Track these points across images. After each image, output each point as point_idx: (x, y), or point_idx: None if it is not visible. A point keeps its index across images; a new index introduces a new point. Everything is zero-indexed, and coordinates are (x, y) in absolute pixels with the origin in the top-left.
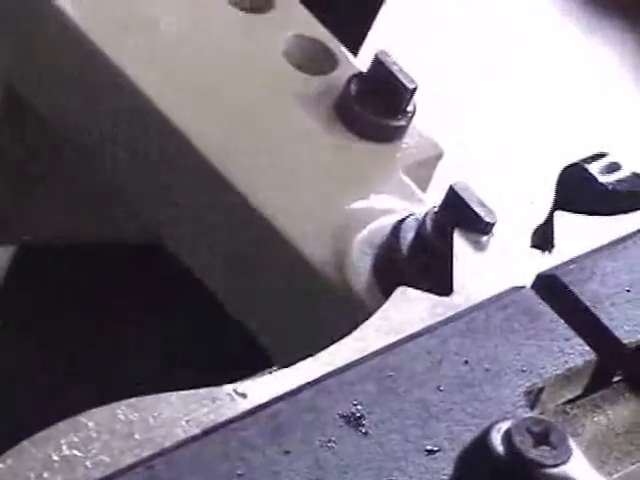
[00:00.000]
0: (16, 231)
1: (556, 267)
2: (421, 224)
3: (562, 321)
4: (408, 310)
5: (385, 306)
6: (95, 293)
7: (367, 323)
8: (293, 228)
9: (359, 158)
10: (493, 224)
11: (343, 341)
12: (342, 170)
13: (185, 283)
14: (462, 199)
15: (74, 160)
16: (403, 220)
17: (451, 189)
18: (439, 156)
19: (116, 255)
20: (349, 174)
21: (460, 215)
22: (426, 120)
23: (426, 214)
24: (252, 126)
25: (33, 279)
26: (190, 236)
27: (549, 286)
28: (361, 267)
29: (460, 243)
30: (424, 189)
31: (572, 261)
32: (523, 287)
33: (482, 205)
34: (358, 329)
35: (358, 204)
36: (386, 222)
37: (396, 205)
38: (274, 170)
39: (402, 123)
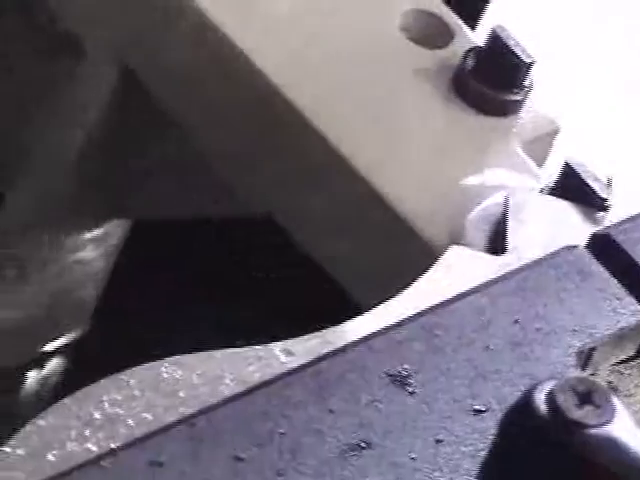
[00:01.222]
0: (130, 208)
1: (610, 226)
2: None
3: (615, 280)
4: (459, 269)
5: (436, 265)
6: (203, 268)
7: (418, 282)
8: (407, 204)
9: (475, 132)
10: (607, 199)
11: (392, 299)
12: (458, 144)
13: (289, 255)
14: (578, 174)
15: (181, 140)
16: None
17: (567, 164)
18: (555, 132)
19: (224, 230)
20: (465, 148)
21: (575, 190)
22: (543, 95)
23: (542, 190)
24: (368, 100)
25: (145, 256)
26: (299, 209)
27: (603, 245)
28: (475, 244)
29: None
30: (540, 164)
31: (626, 220)
32: (576, 246)
33: (597, 180)
34: (409, 288)
35: (473, 179)
36: (501, 198)
37: (512, 181)
38: (390, 145)
39: (518, 98)
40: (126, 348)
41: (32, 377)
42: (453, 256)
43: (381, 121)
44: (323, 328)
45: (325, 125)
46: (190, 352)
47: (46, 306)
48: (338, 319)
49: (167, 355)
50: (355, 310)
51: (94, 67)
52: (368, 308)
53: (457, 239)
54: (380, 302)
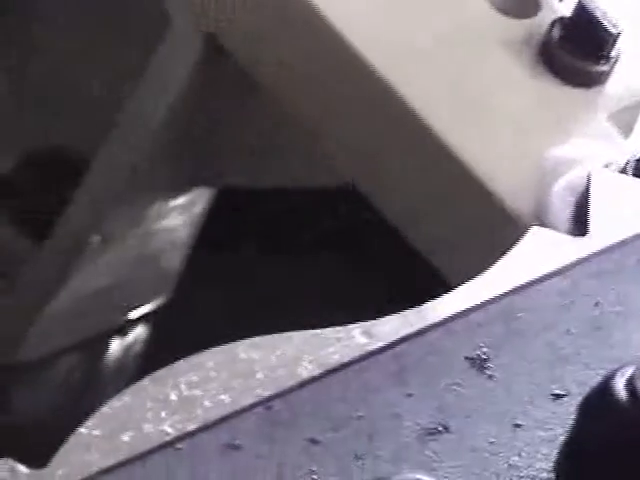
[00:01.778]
0: (215, 177)
1: None
2: (622, 170)
3: None
4: (541, 251)
5: (517, 247)
6: (284, 236)
7: (498, 264)
8: (495, 177)
9: (561, 103)
10: None
11: (471, 282)
12: (544, 115)
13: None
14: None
15: (264, 108)
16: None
17: None
18: None
19: (304, 200)
20: (551, 119)
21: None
22: (630, 66)
23: (627, 162)
24: (455, 70)
25: (230, 223)
26: (386, 180)
27: None
28: (562, 215)
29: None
30: (627, 135)
31: None
32: None
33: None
34: (490, 269)
35: (559, 151)
36: (586, 171)
37: (598, 151)
38: (476, 115)
39: (605, 68)
40: (209, 317)
41: (116, 344)
42: (534, 238)
43: (469, 94)
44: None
45: (416, 100)
46: (278, 322)
47: (130, 274)
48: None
49: (251, 324)
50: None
51: (179, 39)
52: (455, 282)
53: (542, 212)
54: (466, 277)
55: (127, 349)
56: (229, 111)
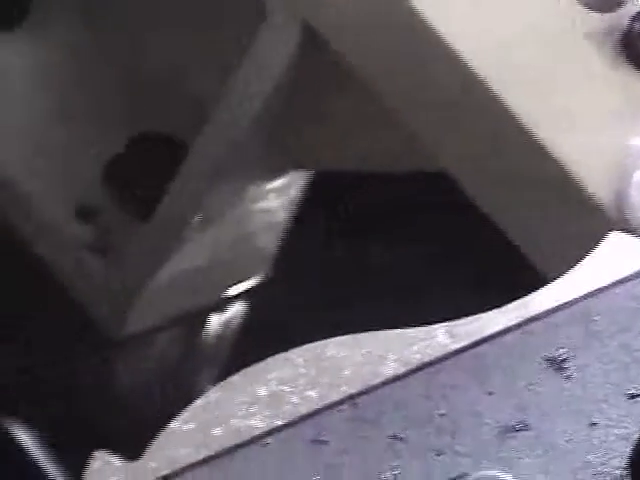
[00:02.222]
0: (309, 161)
1: None
2: None
3: None
4: (618, 255)
5: (595, 250)
6: (374, 225)
7: (578, 267)
8: (577, 164)
9: None
10: None
11: (550, 285)
12: (627, 106)
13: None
14: None
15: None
16: None
17: None
18: None
19: (396, 187)
20: (631, 110)
21: None
22: None
23: None
24: (539, 63)
25: (322, 207)
26: (473, 166)
27: None
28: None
29: None
30: None
31: None
32: None
33: None
34: (568, 273)
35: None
36: None
37: None
38: (560, 106)
39: None
40: (303, 294)
41: (215, 320)
42: (612, 242)
43: (554, 84)
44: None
45: (503, 90)
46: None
47: (228, 252)
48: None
49: (341, 308)
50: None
51: (277, 26)
52: (547, 275)
53: (621, 202)
54: (558, 270)
55: (225, 325)
56: (324, 99)
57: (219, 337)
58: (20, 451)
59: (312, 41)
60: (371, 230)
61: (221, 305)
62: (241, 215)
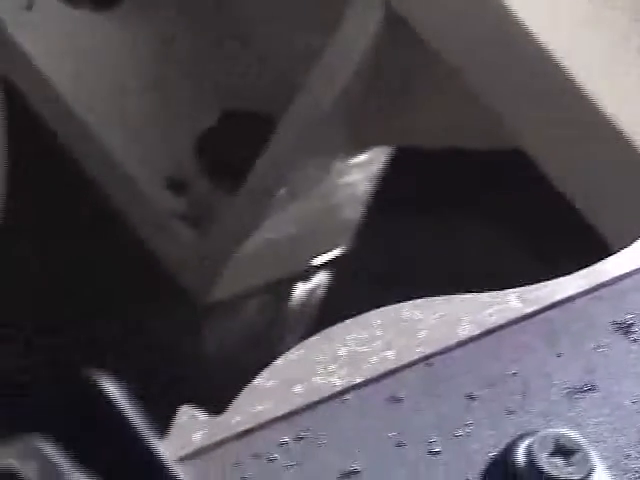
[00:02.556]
0: (393, 136)
1: None
2: None
3: None
4: None
5: None
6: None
7: None
8: None
9: None
10: None
11: (618, 254)
12: None
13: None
14: None
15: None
16: None
17: None
18: None
19: (474, 163)
20: None
21: None
22: None
23: None
24: (613, 38)
25: (404, 181)
26: (553, 147)
27: None
28: None
29: None
30: None
31: None
32: None
33: None
34: (635, 242)
35: None
36: None
37: None
38: (630, 83)
39: None
40: (383, 266)
41: (300, 288)
42: None
43: (625, 61)
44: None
45: (575, 70)
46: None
47: (314, 224)
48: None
49: (423, 277)
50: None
51: (361, 8)
52: (610, 239)
53: None
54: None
55: (309, 293)
56: (407, 77)
57: (304, 305)
58: (108, 402)
59: (395, 20)
60: (449, 204)
61: (306, 274)
62: (326, 188)
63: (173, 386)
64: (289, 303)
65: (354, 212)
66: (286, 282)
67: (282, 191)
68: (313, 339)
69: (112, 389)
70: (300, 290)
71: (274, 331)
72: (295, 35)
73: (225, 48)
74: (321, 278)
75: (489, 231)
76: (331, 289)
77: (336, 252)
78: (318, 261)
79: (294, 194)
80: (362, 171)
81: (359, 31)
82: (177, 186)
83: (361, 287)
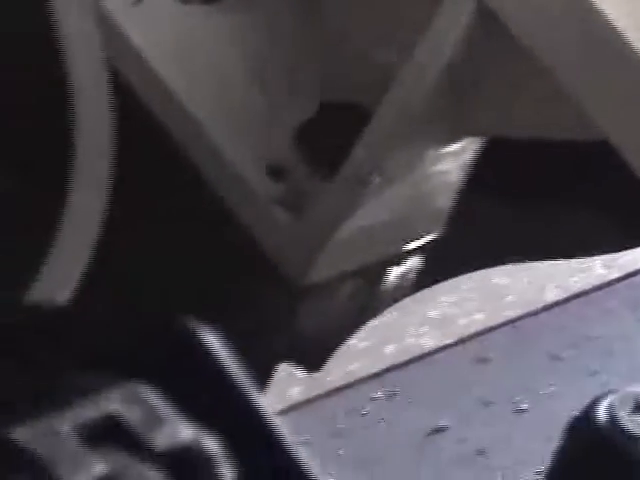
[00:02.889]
0: (484, 127)
1: None
2: None
3: None
4: None
5: None
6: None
7: None
8: None
9: None
10: None
11: None
12: None
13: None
14: None
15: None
16: None
17: None
18: None
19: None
20: None
21: None
22: None
23: None
24: None
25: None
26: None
27: None
28: None
29: None
30: None
31: None
32: None
33: None
34: None
35: None
36: None
37: None
38: None
39: None
40: (475, 251)
41: (393, 272)
42: None
43: None
44: None
45: None
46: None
47: (407, 210)
48: None
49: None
50: None
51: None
52: None
53: None
54: None
55: (402, 277)
56: (496, 69)
57: (396, 288)
58: (208, 352)
59: (487, 14)
60: (543, 193)
61: (399, 259)
62: (419, 176)
63: (272, 344)
64: (382, 286)
65: (446, 200)
66: (379, 266)
67: (376, 179)
68: (405, 301)
69: (212, 340)
70: (393, 274)
71: (367, 313)
72: (390, 29)
73: (324, 42)
74: (413, 262)
75: (581, 218)
76: (423, 273)
77: (428, 238)
78: (411, 246)
79: (388, 181)
80: (455, 160)
81: (451, 24)
82: (276, 173)
83: (453, 272)
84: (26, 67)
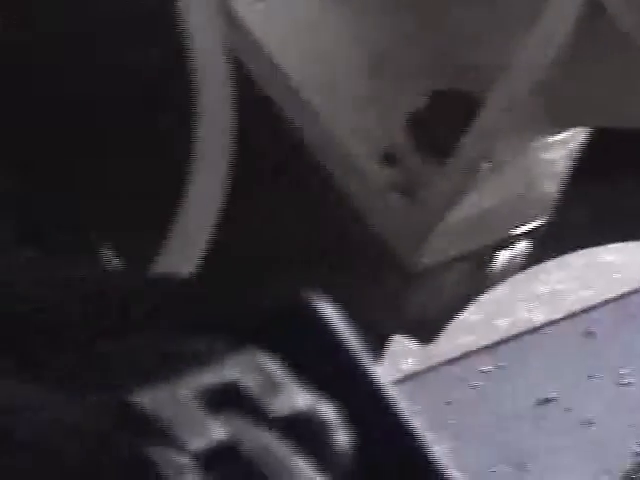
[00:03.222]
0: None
1: None
2: None
3: None
4: None
5: None
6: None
7: None
8: None
9: None
10: None
11: None
12: None
13: None
14: None
15: None
16: None
17: None
18: None
19: None
20: None
21: None
22: None
23: None
24: None
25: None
26: None
27: None
28: None
29: None
30: None
31: None
32: None
33: None
34: None
35: None
36: None
37: None
38: None
39: None
40: (582, 233)
41: (502, 255)
42: None
43: None
44: None
45: None
46: None
47: (514, 196)
48: None
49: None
50: None
51: None
52: None
53: None
54: None
55: (509, 260)
56: (604, 64)
57: (504, 271)
58: (324, 321)
59: (596, 6)
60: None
61: (507, 243)
62: (527, 164)
63: (386, 319)
64: (490, 269)
65: (553, 186)
66: (488, 250)
67: (486, 165)
68: (517, 277)
69: (330, 312)
70: (501, 257)
71: (475, 294)
72: (501, 18)
73: (436, 29)
74: (521, 246)
75: None
76: (530, 256)
77: (536, 223)
78: (518, 231)
79: (497, 168)
80: (562, 148)
81: (561, 15)
82: (390, 159)
83: (558, 254)
84: (150, 59)
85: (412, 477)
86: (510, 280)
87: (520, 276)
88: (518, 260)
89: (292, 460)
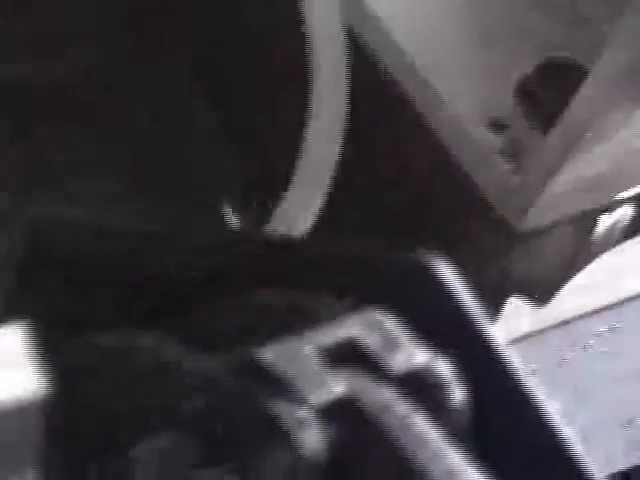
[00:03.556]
0: None
1: None
2: None
3: None
4: None
5: None
6: None
7: None
8: None
9: None
10: None
11: None
12: None
13: None
14: None
15: None
16: None
17: None
18: None
19: None
20: None
21: None
22: None
23: None
24: None
25: None
26: None
27: None
28: None
29: None
30: None
31: None
32: None
33: None
34: None
35: None
36: None
37: None
38: None
39: None
40: None
41: (605, 220)
42: None
43: None
44: None
45: None
46: None
47: (616, 164)
48: None
49: None
50: None
51: None
52: None
53: None
54: None
55: (612, 224)
56: None
57: (608, 235)
58: (441, 281)
59: None
60: None
61: (610, 207)
62: (629, 133)
63: (499, 280)
64: (593, 233)
65: None
66: (592, 214)
67: (589, 134)
68: (626, 243)
69: (446, 272)
70: (603, 222)
71: (579, 258)
72: None
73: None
74: (623, 211)
75: None
76: (633, 221)
77: (637, 190)
78: (620, 196)
79: (600, 137)
80: None
81: None
82: (498, 126)
83: None
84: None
85: (526, 435)
86: (619, 247)
87: (629, 242)
88: (622, 224)
89: (410, 416)
